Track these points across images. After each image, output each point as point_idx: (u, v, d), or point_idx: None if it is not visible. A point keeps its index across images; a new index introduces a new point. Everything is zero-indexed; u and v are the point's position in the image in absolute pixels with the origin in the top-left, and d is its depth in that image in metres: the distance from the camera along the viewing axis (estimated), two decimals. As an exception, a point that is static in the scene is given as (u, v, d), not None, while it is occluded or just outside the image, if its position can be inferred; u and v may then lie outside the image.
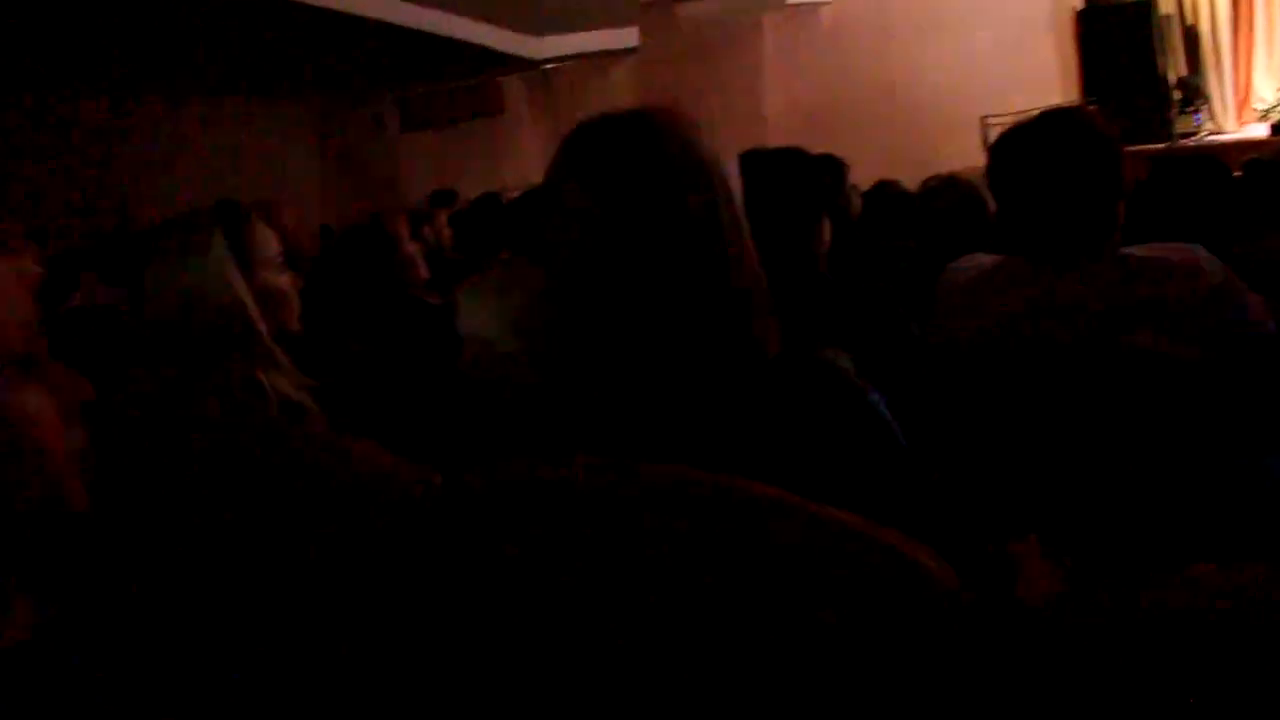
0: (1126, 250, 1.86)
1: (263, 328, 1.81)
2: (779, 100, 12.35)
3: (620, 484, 1.03)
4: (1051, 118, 1.89)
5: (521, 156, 12.52)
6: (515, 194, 5.10)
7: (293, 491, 1.59)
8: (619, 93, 12.88)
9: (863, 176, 5.04)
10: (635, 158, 1.15)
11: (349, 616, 1.42)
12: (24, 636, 0.69)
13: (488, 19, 10.73)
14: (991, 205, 2.89)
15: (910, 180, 4.86)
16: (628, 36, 12.54)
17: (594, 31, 12.21)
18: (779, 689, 0.84)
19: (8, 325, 0.72)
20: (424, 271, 3.20)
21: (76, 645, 0.70)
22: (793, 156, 2.19)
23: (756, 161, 2.04)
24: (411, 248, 3.17)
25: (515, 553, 1.08)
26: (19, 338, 0.73)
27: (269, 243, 1.89)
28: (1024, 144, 1.88)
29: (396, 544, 1.38)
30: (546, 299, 1.51)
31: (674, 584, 0.94)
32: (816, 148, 2.36)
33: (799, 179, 2.13)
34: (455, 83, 12.27)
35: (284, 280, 1.91)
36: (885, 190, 4.68)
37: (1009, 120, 2.17)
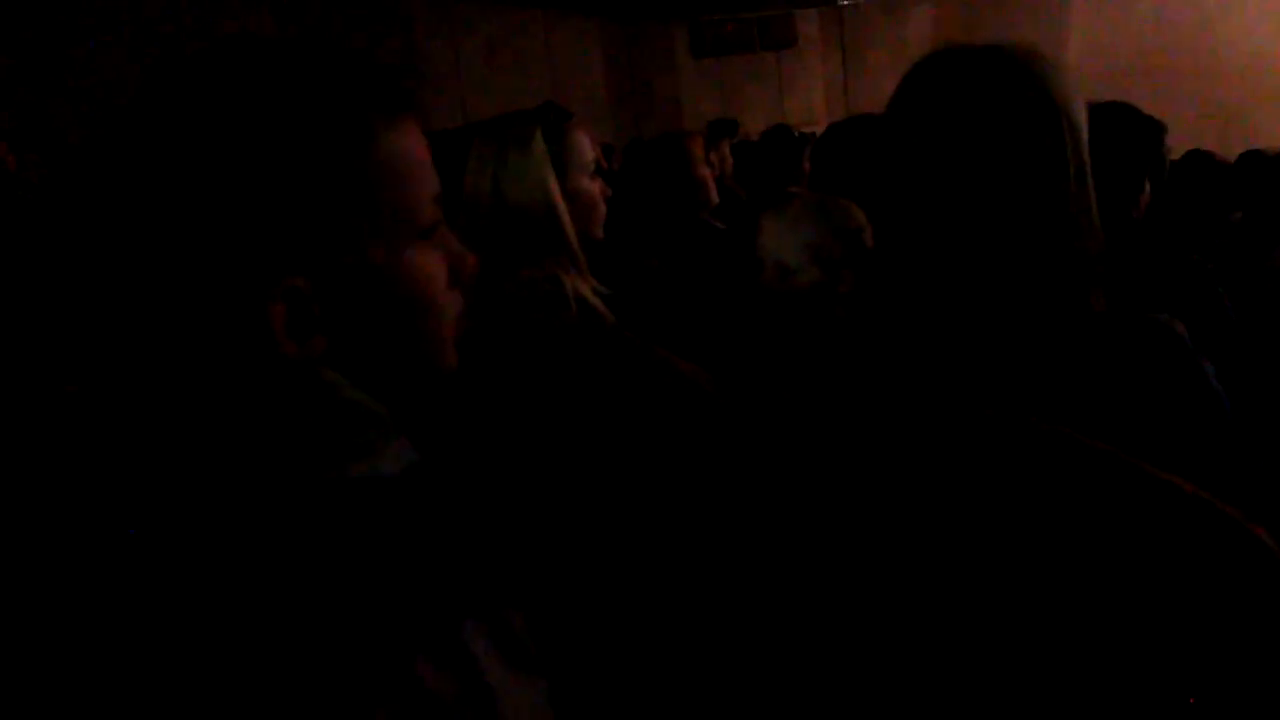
0: None
1: (571, 230, 1.86)
2: (1082, 54, 11.65)
3: (936, 420, 1.03)
4: None
5: (807, 91, 12.40)
6: (806, 129, 5.08)
7: (591, 387, 1.66)
8: (914, 33, 12.51)
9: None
10: (988, 94, 1.12)
11: (641, 497, 1.49)
12: (395, 471, 0.76)
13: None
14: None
15: (1217, 149, 4.53)
16: (930, -24, 12.16)
17: (895, -31, 11.91)
18: (1096, 646, 0.83)
19: (421, 195, 0.79)
20: (715, 196, 3.23)
21: (436, 490, 0.77)
22: (1123, 112, 2.09)
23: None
24: (705, 171, 3.20)
25: (804, 464, 1.11)
26: (429, 205, 0.79)
27: (585, 148, 1.94)
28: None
29: (693, 438, 1.44)
30: (874, 234, 1.51)
31: (983, 524, 0.94)
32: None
33: (1129, 137, 2.03)
34: (748, 12, 12.20)
35: (595, 187, 1.96)
36: (1198, 159, 4.38)
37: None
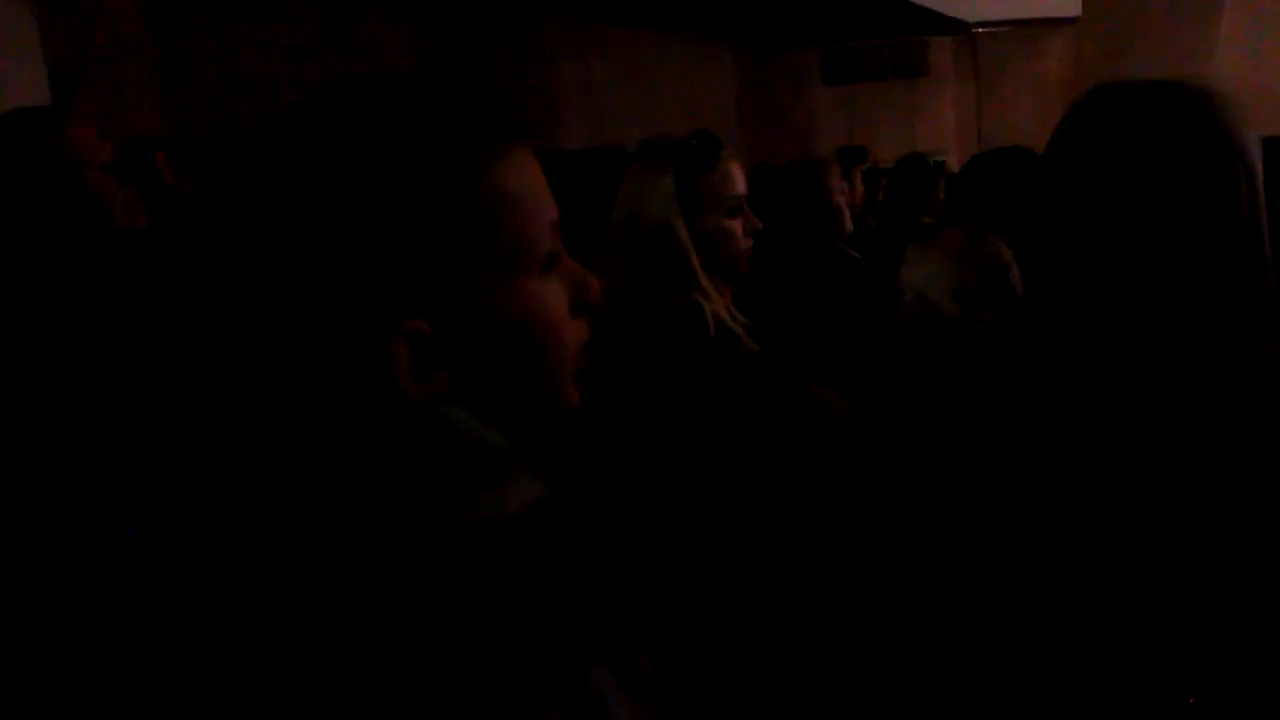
0: None
1: (695, 264, 1.85)
2: (1226, 86, 11.21)
3: (1109, 467, 1.01)
4: None
5: (939, 119, 12.24)
6: (940, 158, 5.02)
7: (733, 416, 1.66)
8: (1050, 64, 12.26)
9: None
10: (1161, 131, 1.09)
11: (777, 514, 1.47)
12: (521, 509, 0.72)
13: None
14: None
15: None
16: (1071, 4, 11.86)
17: (1034, -3, 11.69)
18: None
19: (540, 223, 0.76)
20: (850, 224, 3.21)
21: (564, 528, 0.74)
22: (1288, 149, 2.01)
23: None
24: (841, 199, 3.18)
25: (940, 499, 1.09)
26: (547, 234, 0.77)
27: (729, 183, 1.92)
28: None
29: (839, 472, 1.43)
30: (1023, 271, 1.48)
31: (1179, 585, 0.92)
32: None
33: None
34: (881, 39, 12.11)
35: (734, 224, 1.92)
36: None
37: None
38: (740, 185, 1.94)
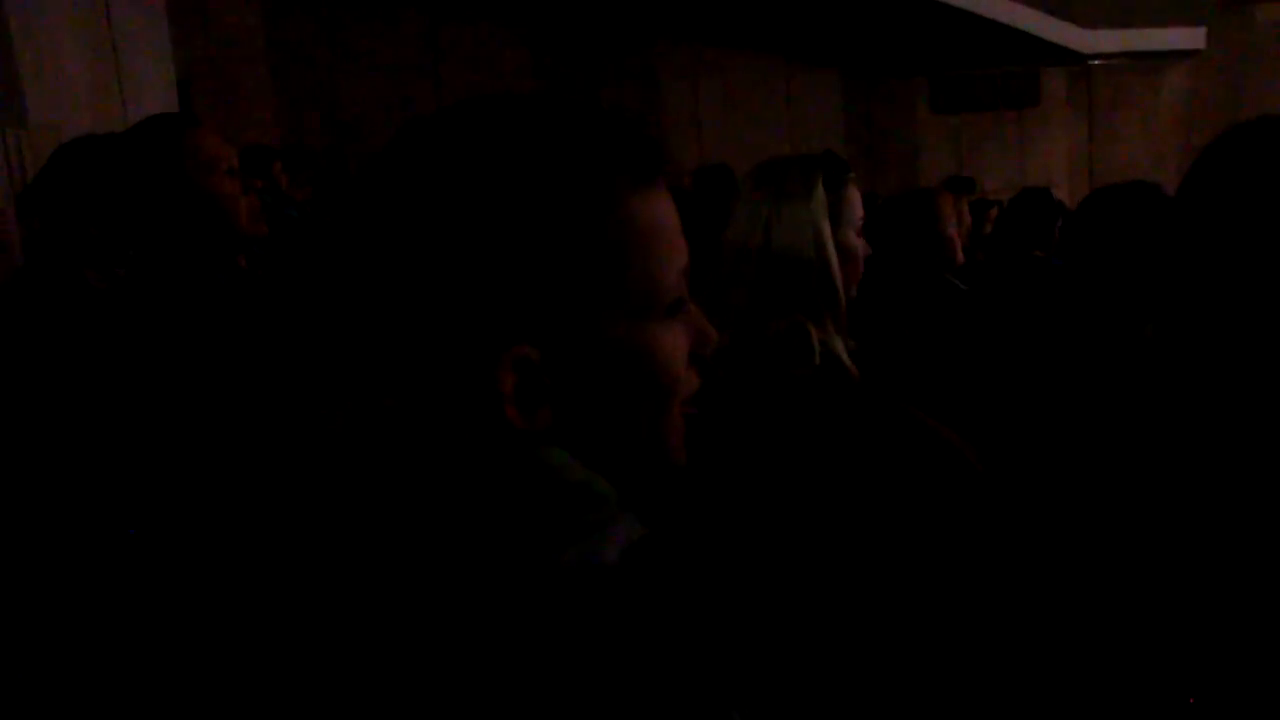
0: None
1: (840, 283, 1.79)
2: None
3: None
4: None
5: (1049, 152, 12.00)
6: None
7: (837, 448, 1.63)
8: (1169, 97, 11.98)
9: None
10: None
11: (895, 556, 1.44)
12: (614, 558, 0.69)
13: (1036, 4, 10.40)
14: None
15: None
16: (1192, 37, 11.58)
17: (1153, 29, 11.40)
18: None
19: (671, 266, 0.74)
20: (961, 256, 3.16)
21: (662, 578, 0.70)
22: None
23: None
24: (953, 230, 3.12)
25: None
26: (676, 279, 0.75)
27: (857, 203, 1.88)
28: None
29: (956, 515, 1.39)
30: (1152, 310, 1.44)
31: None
32: None
33: None
34: (991, 68, 11.91)
35: (861, 243, 1.88)
36: None
37: None
38: (860, 205, 1.91)
